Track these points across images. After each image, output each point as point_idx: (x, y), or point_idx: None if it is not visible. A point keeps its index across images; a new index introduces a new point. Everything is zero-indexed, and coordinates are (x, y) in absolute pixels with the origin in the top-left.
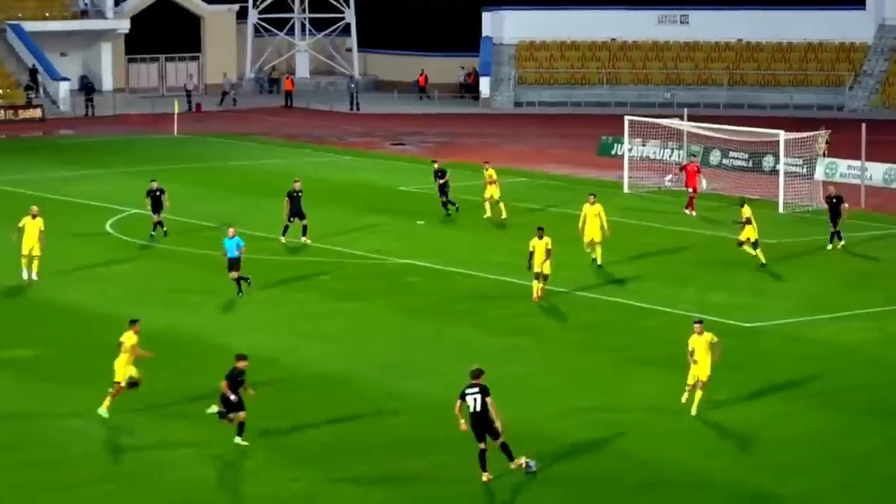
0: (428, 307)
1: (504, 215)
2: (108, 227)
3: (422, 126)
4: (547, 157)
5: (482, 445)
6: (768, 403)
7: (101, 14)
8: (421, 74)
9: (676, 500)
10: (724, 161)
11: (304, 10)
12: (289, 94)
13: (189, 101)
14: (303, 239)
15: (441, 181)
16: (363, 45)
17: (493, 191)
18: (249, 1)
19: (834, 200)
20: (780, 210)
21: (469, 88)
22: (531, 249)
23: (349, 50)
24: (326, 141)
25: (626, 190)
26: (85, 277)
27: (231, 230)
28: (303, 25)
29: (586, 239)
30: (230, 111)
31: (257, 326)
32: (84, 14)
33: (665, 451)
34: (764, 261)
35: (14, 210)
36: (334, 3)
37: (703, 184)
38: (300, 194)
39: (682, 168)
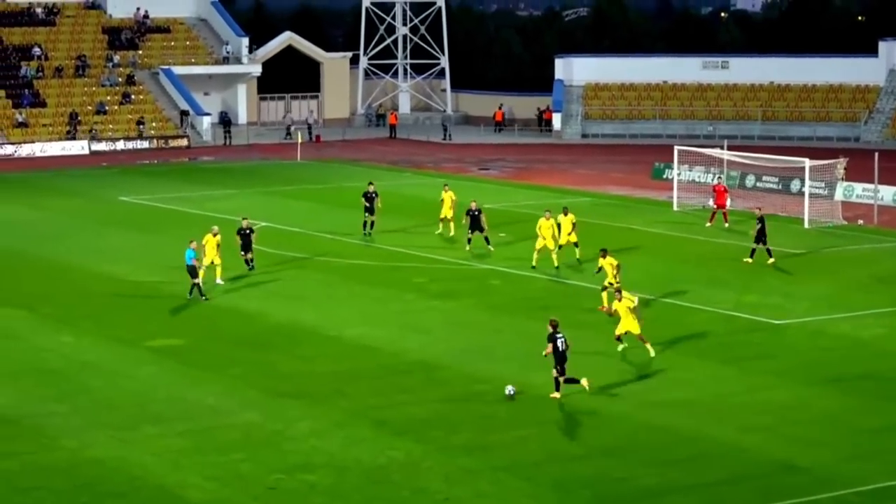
0: (508, 305)
1: (452, 232)
2: None
3: (503, 154)
4: (608, 180)
5: (566, 374)
6: (793, 387)
7: (238, 60)
8: (499, 110)
9: (712, 469)
10: (758, 184)
11: (406, 57)
12: (393, 127)
13: (310, 133)
14: (489, 247)
15: (368, 203)
16: (455, 85)
17: (447, 211)
18: (361, 49)
19: (759, 222)
20: (806, 225)
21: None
22: (601, 266)
23: (443, 90)
24: (424, 166)
25: (675, 208)
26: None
27: (193, 243)
28: (405, 70)
29: (538, 246)
30: (344, 141)
31: (367, 321)
32: (224, 60)
33: (705, 427)
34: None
35: (166, 223)
36: (431, 51)
37: (710, 202)
38: (477, 213)
39: (712, 188)
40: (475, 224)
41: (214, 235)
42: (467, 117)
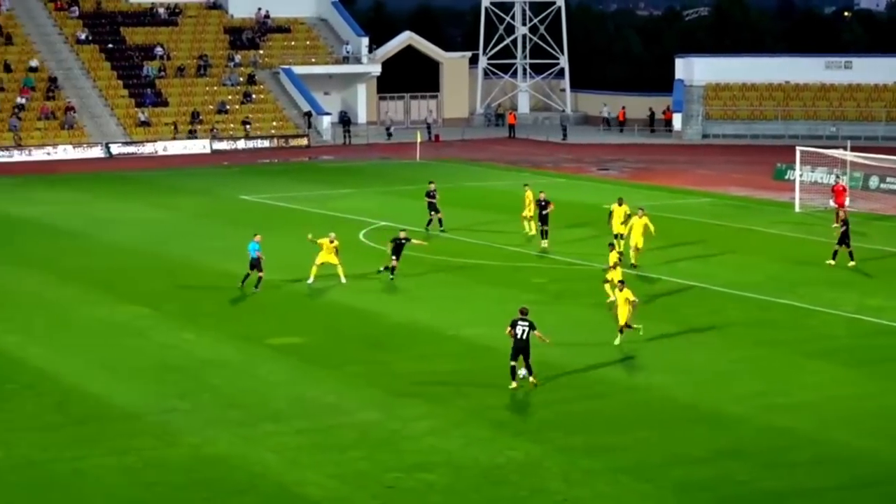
0: None
1: (532, 231)
2: (361, 237)
3: (623, 154)
4: (729, 181)
5: (513, 363)
6: None
7: (357, 60)
8: (621, 110)
9: (837, 473)
10: (882, 185)
11: (525, 57)
12: (512, 127)
13: (429, 132)
14: (543, 242)
15: (431, 200)
16: (574, 85)
17: (530, 210)
18: (480, 49)
19: (843, 224)
20: None
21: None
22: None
23: (563, 90)
24: (543, 166)
25: (797, 209)
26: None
27: (258, 236)
28: (524, 69)
29: (632, 244)
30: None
31: (486, 321)
32: (344, 60)
33: (829, 430)
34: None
35: (286, 222)
36: (550, 50)
37: (831, 202)
38: (545, 204)
39: (832, 188)
40: (542, 216)
41: (332, 242)
42: (587, 117)
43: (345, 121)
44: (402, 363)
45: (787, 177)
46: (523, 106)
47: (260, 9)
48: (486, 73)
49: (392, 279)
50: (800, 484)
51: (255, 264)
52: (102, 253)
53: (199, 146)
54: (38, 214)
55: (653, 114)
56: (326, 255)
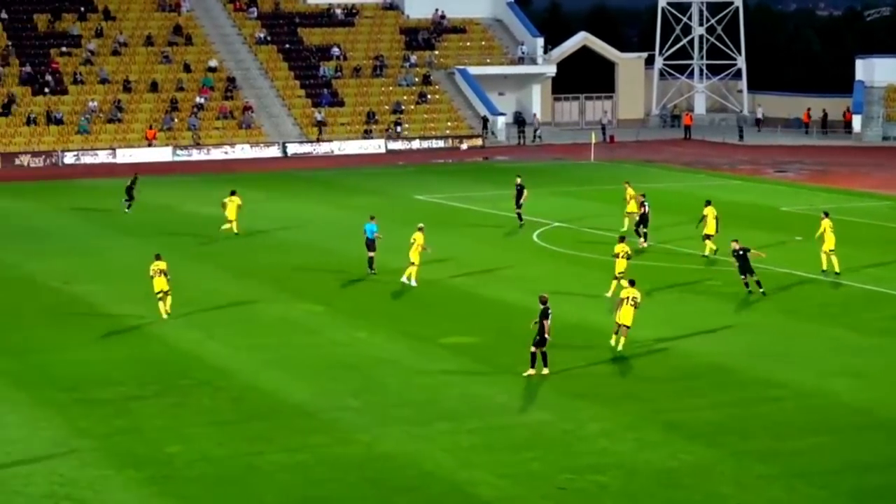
0: (805, 310)
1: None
2: (535, 238)
3: (801, 156)
4: None
5: (535, 350)
6: None
7: (532, 60)
8: (806, 112)
9: None
10: None
11: (702, 58)
12: (687, 128)
13: (604, 133)
14: (640, 241)
15: (517, 194)
16: (752, 86)
17: (632, 207)
18: (656, 49)
19: None
20: None
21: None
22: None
23: (740, 91)
24: (719, 168)
25: None
26: (514, 278)
27: (373, 219)
28: (700, 70)
29: (825, 248)
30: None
31: (660, 322)
32: (520, 60)
33: None
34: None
35: (460, 222)
36: (728, 51)
37: None
38: (642, 207)
39: None
40: (643, 218)
41: (420, 231)
42: (765, 119)
43: (519, 121)
44: (571, 364)
45: None
46: (699, 107)
47: (437, 10)
48: (661, 74)
49: (759, 292)
50: None
51: (370, 245)
52: (278, 251)
53: (375, 146)
54: (216, 213)
55: (826, 115)
56: (414, 255)
